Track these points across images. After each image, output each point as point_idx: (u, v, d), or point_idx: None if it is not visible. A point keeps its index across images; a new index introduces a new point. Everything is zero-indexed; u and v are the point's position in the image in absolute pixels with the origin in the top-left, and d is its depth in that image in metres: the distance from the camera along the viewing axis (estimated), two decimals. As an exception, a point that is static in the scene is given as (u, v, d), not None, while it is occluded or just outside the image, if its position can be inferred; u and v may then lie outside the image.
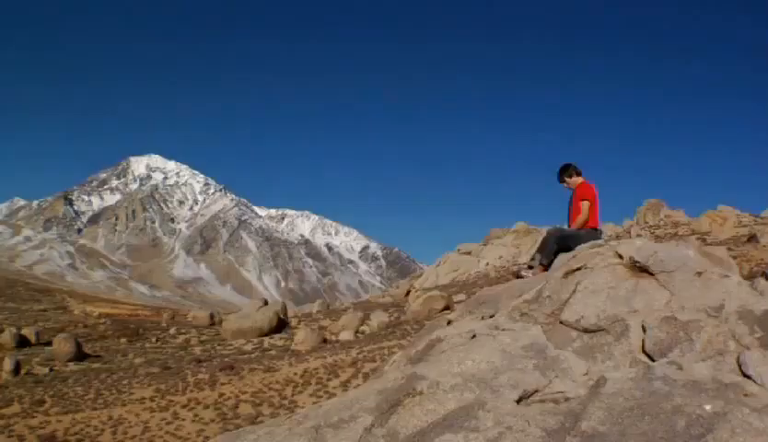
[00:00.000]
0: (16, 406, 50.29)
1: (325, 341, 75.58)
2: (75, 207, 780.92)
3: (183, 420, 45.77)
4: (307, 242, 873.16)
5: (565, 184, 13.20)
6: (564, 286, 8.26)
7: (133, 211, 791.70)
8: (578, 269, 8.55)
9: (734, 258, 11.55)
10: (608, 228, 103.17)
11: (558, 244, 12.04)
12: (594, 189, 12.87)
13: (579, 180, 13.06)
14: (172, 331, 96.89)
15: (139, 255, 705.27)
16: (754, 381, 5.83)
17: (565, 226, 13.04)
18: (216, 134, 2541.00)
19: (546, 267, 11.76)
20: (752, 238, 70.31)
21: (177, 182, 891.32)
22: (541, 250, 12.23)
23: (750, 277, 9.30)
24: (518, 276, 12.19)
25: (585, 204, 12.50)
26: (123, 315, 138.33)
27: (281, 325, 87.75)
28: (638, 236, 71.57)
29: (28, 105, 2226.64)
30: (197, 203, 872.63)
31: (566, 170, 13.16)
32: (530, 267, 12.32)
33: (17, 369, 65.03)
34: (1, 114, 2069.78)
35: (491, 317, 8.74)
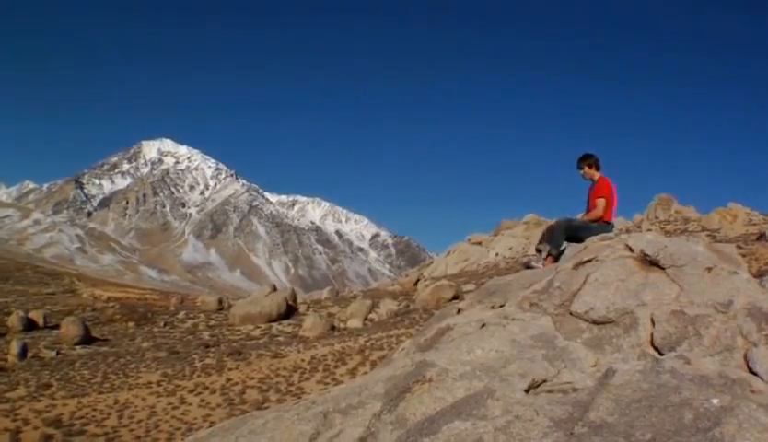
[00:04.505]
0: (21, 389, 50.33)
1: (333, 328, 75.73)
2: (86, 191, 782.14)
3: (190, 405, 45.85)
4: (317, 229, 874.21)
5: (582, 172, 13.16)
6: (575, 278, 8.26)
7: (144, 195, 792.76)
8: (589, 261, 8.55)
9: (743, 256, 11.55)
10: (618, 222, 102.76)
11: (567, 234, 12.05)
12: (612, 186, 12.84)
13: (597, 174, 13.02)
14: (180, 315, 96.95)
15: (149, 239, 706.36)
16: (761, 378, 5.84)
17: (575, 217, 13.03)
18: (229, 120, 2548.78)
19: (555, 257, 11.78)
20: (762, 237, 70.13)
21: (188, 167, 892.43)
22: (549, 239, 12.20)
23: (758, 275, 9.32)
24: (528, 267, 12.19)
25: (601, 202, 12.49)
26: (132, 299, 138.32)
27: (289, 311, 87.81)
28: (648, 230, 71.60)
29: (39, 88, 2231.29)
30: (208, 188, 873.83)
31: (588, 159, 13.10)
32: (539, 251, 12.30)
33: (23, 352, 65.08)
34: (12, 97, 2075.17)
35: (501, 306, 8.75)
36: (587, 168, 13.03)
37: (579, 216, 13.17)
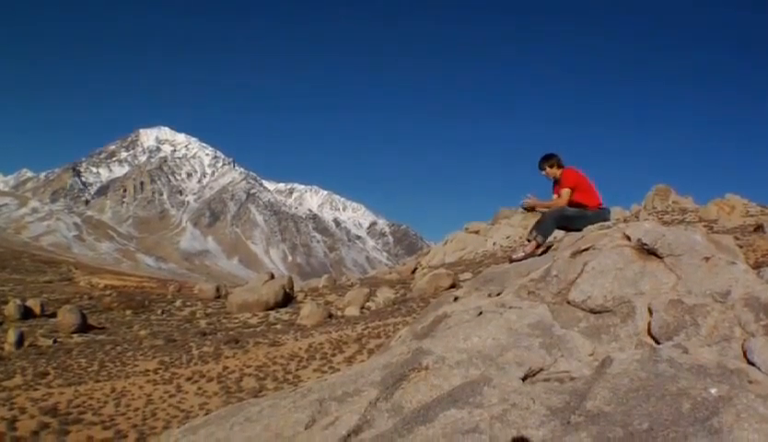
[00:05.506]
0: (18, 378, 50.30)
1: (331, 316, 75.81)
2: (83, 179, 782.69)
3: (186, 393, 45.82)
4: (315, 217, 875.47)
5: (545, 173, 12.96)
6: (572, 266, 8.24)
7: (142, 183, 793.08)
8: (586, 249, 8.53)
9: (740, 247, 11.40)
10: (615, 212, 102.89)
11: (560, 223, 11.96)
12: (579, 173, 12.59)
13: (560, 171, 12.81)
14: (178, 303, 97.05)
15: (146, 227, 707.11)
16: (759, 369, 5.82)
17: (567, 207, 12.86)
18: (227, 108, 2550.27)
19: (540, 245, 11.74)
20: (759, 228, 70.16)
21: (186, 155, 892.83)
22: (537, 226, 12.07)
23: (756, 267, 9.31)
24: (512, 261, 12.02)
25: (565, 192, 12.20)
26: (129, 287, 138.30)
27: (287, 299, 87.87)
28: (645, 220, 71.69)
29: (36, 76, 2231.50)
30: (206, 176, 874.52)
31: (549, 159, 12.87)
32: (529, 240, 12.18)
33: (20, 341, 65.03)
34: (10, 85, 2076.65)
35: (498, 294, 8.73)
36: (548, 169, 12.84)
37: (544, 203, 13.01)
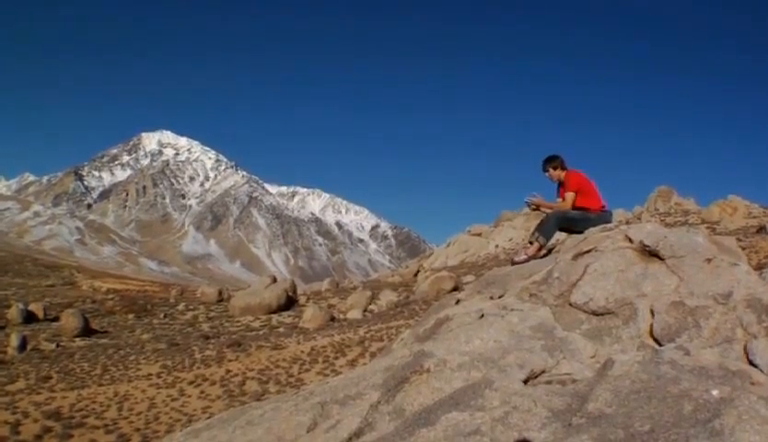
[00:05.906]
0: (21, 382, 50.33)
1: (333, 319, 75.82)
2: (86, 183, 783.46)
3: (189, 396, 45.81)
4: (317, 220, 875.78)
5: (548, 175, 12.97)
6: (574, 268, 8.22)
7: (144, 187, 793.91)
8: (588, 251, 8.51)
9: (742, 249, 11.41)
10: (617, 214, 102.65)
11: (562, 225, 11.98)
12: (582, 176, 12.61)
13: (563, 173, 12.82)
14: (180, 307, 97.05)
15: (149, 231, 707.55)
16: (761, 370, 5.80)
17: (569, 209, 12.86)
18: (229, 111, 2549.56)
19: (543, 247, 11.74)
20: (761, 230, 70.15)
21: (188, 158, 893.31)
22: (539, 228, 12.07)
23: (758, 268, 9.29)
24: (513, 263, 12.01)
25: (570, 195, 12.24)
26: (132, 291, 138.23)
27: (289, 303, 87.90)
28: (648, 222, 71.58)
29: (38, 80, 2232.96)
30: (208, 180, 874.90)
31: (553, 161, 12.89)
32: (531, 243, 12.18)
33: (23, 345, 65.07)
34: (11, 89, 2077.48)
35: (500, 297, 8.71)
36: (551, 170, 12.87)
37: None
